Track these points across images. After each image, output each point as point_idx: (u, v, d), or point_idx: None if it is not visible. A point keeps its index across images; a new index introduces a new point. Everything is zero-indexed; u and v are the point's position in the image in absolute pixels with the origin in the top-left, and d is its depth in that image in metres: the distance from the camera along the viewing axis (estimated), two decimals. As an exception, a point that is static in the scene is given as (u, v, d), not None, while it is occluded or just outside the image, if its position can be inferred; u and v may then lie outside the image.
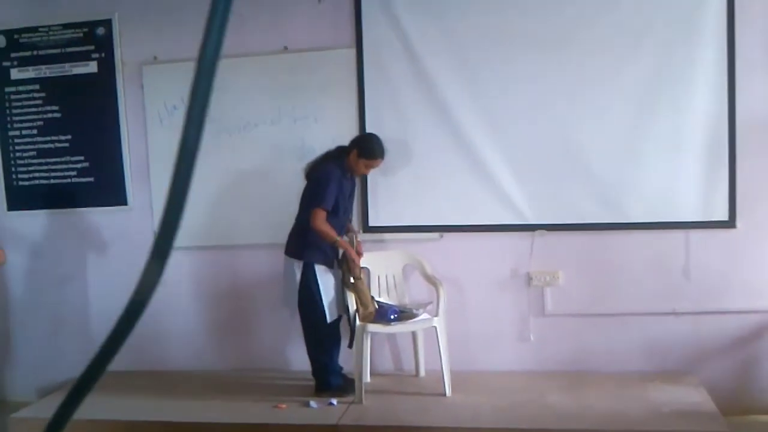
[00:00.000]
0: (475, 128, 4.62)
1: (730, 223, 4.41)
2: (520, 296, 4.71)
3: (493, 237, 4.68)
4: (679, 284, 4.51)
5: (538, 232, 4.61)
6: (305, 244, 4.28)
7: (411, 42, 4.64)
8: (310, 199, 4.25)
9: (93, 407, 4.50)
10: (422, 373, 4.67)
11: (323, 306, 4.24)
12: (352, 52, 4.73)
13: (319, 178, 4.25)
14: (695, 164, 4.42)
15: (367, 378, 4.52)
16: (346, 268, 4.31)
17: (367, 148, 4.33)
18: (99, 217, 5.15)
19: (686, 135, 4.42)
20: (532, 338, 4.70)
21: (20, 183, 5.24)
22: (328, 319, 4.27)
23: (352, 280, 4.27)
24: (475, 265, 4.72)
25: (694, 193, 4.44)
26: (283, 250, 4.39)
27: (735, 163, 4.37)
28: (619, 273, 4.57)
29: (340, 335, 4.42)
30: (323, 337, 4.34)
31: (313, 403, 4.22)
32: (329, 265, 4.33)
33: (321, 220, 4.16)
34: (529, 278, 4.68)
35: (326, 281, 4.29)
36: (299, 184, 4.43)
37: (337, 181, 4.24)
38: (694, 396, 4.11)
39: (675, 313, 4.51)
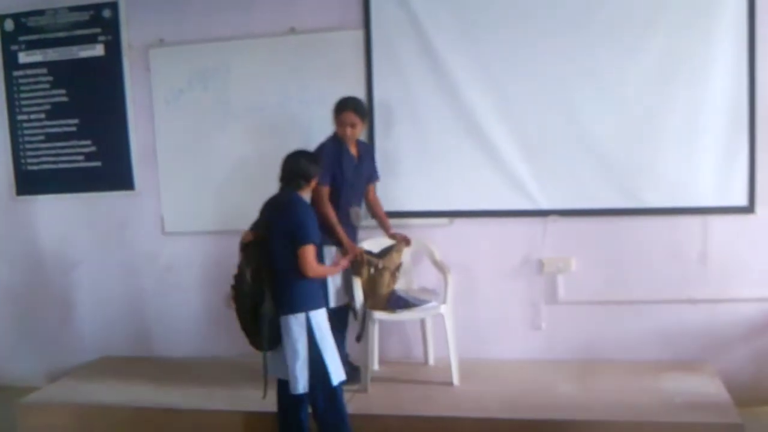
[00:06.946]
0: (486, 112, 4.50)
1: (749, 208, 4.26)
2: (532, 283, 4.60)
3: (505, 222, 4.58)
4: (696, 271, 4.37)
5: (550, 218, 4.50)
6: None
7: (420, 22, 4.53)
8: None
9: (97, 392, 4.47)
10: (431, 361, 4.59)
11: (327, 291, 4.07)
12: (361, 34, 4.62)
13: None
14: (713, 147, 4.27)
15: (375, 366, 4.47)
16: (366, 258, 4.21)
17: (334, 108, 4.19)
18: (106, 201, 5.11)
19: (704, 117, 4.26)
20: (543, 326, 4.61)
21: (29, 167, 5.21)
22: (332, 304, 4.10)
23: (372, 270, 4.18)
24: (486, 251, 4.62)
25: (712, 178, 4.30)
26: None
27: (755, 147, 4.22)
28: (634, 260, 4.45)
29: (347, 322, 4.30)
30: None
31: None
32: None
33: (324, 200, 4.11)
34: (541, 265, 4.57)
35: None
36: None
37: (331, 154, 4.12)
38: (708, 386, 3.99)
39: (691, 301, 4.37)
